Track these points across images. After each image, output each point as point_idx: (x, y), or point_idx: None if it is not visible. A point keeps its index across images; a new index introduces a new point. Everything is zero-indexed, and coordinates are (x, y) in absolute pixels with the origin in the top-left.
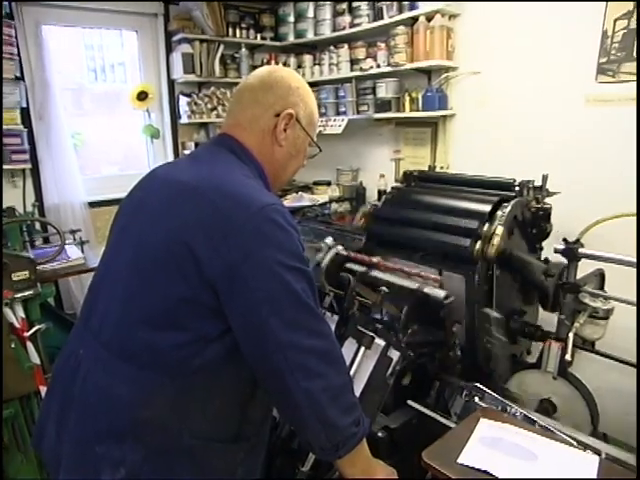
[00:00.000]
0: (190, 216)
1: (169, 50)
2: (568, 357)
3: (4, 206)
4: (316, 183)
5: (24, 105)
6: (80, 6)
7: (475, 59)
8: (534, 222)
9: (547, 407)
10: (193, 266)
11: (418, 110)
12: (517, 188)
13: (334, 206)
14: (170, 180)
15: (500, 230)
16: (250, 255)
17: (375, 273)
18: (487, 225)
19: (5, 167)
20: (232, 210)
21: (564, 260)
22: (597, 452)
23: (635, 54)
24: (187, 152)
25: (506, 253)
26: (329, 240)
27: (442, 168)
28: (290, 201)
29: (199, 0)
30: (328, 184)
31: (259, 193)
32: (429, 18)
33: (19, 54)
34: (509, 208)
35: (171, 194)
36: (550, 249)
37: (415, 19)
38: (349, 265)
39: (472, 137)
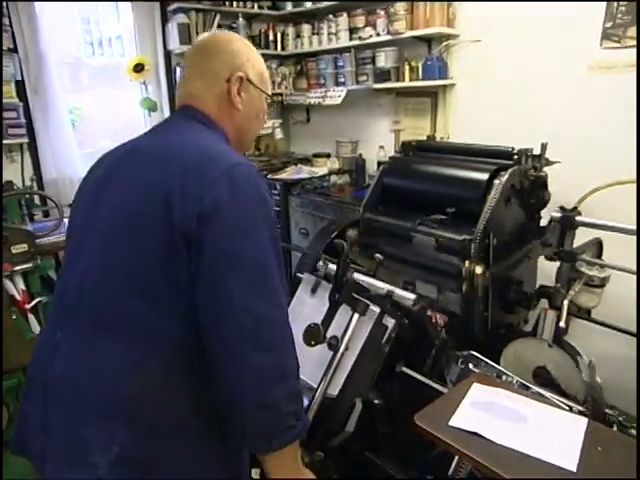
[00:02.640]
0: (163, 175)
1: (165, 21)
2: (562, 324)
3: (3, 181)
4: (315, 155)
5: (19, 78)
6: None
7: (476, 27)
8: (532, 191)
9: (542, 374)
10: (167, 223)
11: (418, 79)
12: (515, 156)
13: (333, 178)
14: (137, 149)
15: (479, 269)
16: (220, 210)
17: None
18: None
19: (2, 142)
20: (206, 165)
21: None
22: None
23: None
24: None
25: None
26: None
27: (442, 138)
28: (289, 173)
29: None
30: (327, 156)
31: (230, 153)
32: None
33: (11, 25)
34: (506, 177)
35: (141, 161)
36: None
37: None
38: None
39: (472, 107)
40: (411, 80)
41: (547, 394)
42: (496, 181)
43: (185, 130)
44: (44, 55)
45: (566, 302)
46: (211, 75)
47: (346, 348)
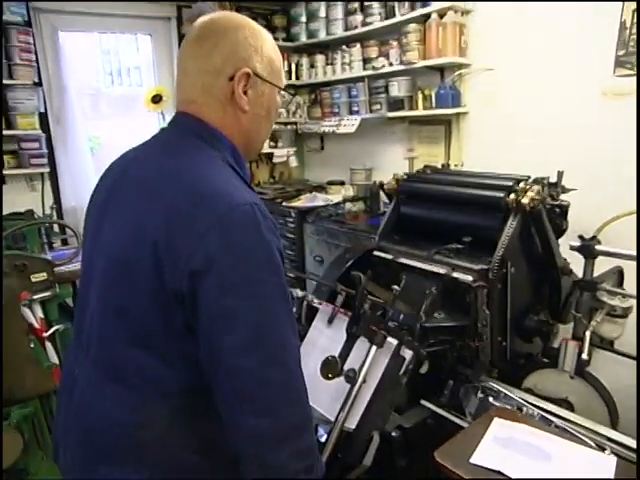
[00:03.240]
0: (151, 219)
1: None
2: (585, 356)
3: (23, 209)
4: (330, 183)
5: (42, 110)
6: (95, 11)
7: (488, 55)
8: (549, 219)
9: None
10: (158, 279)
11: (431, 108)
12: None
13: (348, 206)
14: (127, 176)
15: (536, 187)
16: (213, 265)
17: (401, 259)
18: (522, 184)
19: (24, 171)
20: (196, 212)
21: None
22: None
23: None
24: None
25: (544, 203)
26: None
27: (456, 166)
28: (304, 201)
29: (212, 0)
30: (342, 184)
31: (231, 189)
32: (441, 15)
33: (37, 60)
34: None
35: (129, 193)
36: (567, 246)
37: (427, 16)
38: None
39: (486, 134)
40: (424, 108)
41: (572, 429)
42: None
43: (180, 152)
44: (66, 87)
45: (588, 333)
46: (211, 73)
47: (364, 381)
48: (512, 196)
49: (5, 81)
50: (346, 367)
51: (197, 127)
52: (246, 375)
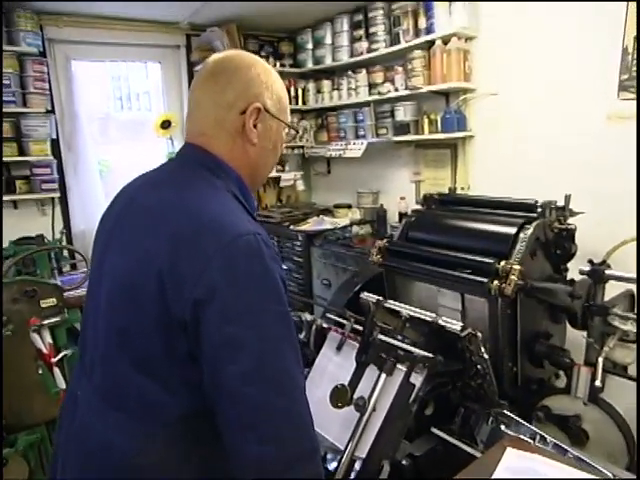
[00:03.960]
0: (155, 246)
1: (191, 79)
2: (598, 383)
3: (34, 234)
4: (337, 206)
5: (54, 137)
6: (106, 41)
7: (493, 80)
8: (558, 243)
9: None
10: (162, 305)
11: (437, 132)
12: (539, 209)
13: (355, 229)
14: (135, 203)
15: (517, 268)
16: (216, 294)
17: (390, 304)
18: (503, 263)
19: (35, 196)
20: (199, 240)
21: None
22: None
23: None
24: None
25: (526, 288)
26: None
27: (462, 189)
28: (311, 225)
29: (220, 29)
30: (349, 207)
31: (234, 219)
32: (445, 41)
33: (50, 89)
34: (531, 230)
35: (136, 220)
36: (576, 269)
37: (432, 42)
38: (364, 296)
39: (492, 158)
40: (430, 132)
41: (587, 459)
42: (521, 234)
43: (185, 182)
44: (78, 114)
45: (601, 359)
46: (224, 107)
47: (373, 409)
48: (495, 283)
49: (19, 109)
50: (355, 395)
51: (204, 158)
52: (250, 403)
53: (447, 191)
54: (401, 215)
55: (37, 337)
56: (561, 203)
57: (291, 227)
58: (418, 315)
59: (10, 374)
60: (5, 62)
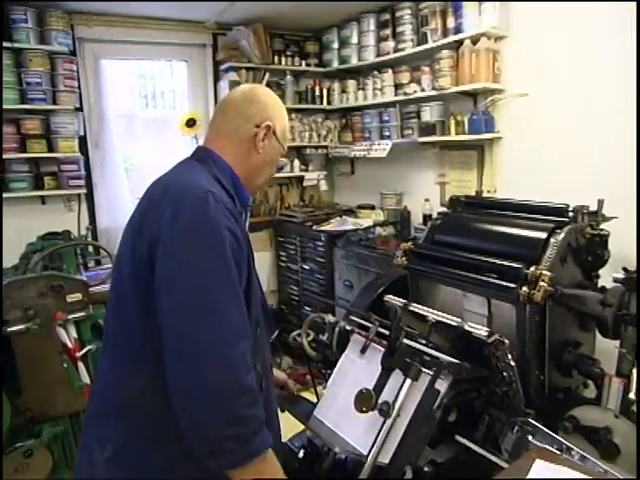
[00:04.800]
0: (136, 215)
1: (217, 78)
2: (632, 395)
3: (60, 229)
4: (360, 207)
5: (82, 134)
6: (135, 40)
7: (522, 81)
8: (589, 249)
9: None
10: (132, 251)
11: (464, 133)
12: (571, 214)
13: (378, 230)
14: (144, 195)
15: (547, 274)
16: (163, 233)
17: (416, 308)
18: (533, 268)
19: (62, 192)
20: (162, 199)
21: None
22: None
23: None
24: None
25: (556, 295)
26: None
27: (489, 192)
28: (333, 225)
29: (247, 28)
30: (372, 208)
31: (194, 182)
32: (474, 41)
33: (79, 87)
34: (562, 235)
35: (140, 207)
36: (609, 276)
37: (460, 42)
38: (387, 298)
39: (520, 160)
40: (457, 134)
41: (618, 474)
42: (552, 240)
43: (179, 169)
44: (105, 112)
45: (635, 370)
46: (246, 117)
47: (397, 415)
48: (524, 288)
49: (49, 106)
50: (380, 399)
51: (202, 153)
52: (177, 334)
53: (473, 193)
54: (425, 217)
55: (62, 331)
56: (593, 208)
57: (314, 227)
58: (444, 320)
59: (36, 367)
60: (36, 61)
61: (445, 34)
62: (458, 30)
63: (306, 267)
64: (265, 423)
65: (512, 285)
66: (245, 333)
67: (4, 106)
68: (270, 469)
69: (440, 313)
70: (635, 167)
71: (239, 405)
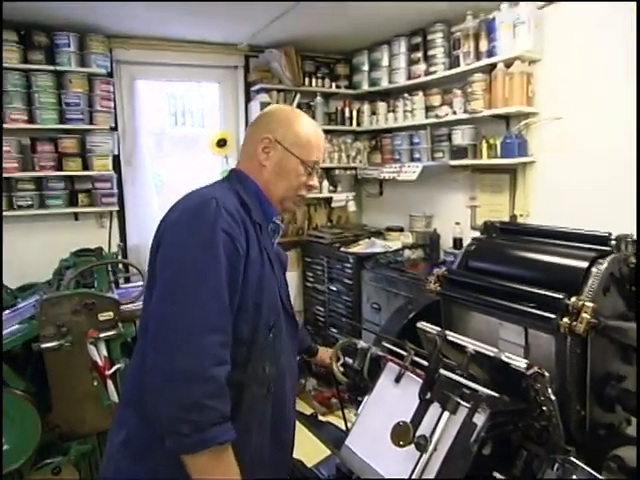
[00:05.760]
0: (161, 222)
1: (248, 99)
2: None
3: (92, 246)
4: (388, 229)
5: (116, 152)
6: (169, 62)
7: (557, 104)
8: (633, 279)
9: None
10: (154, 254)
11: (496, 157)
12: (614, 242)
13: (407, 253)
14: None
15: (590, 305)
16: (166, 231)
17: (454, 337)
18: (574, 299)
19: (95, 209)
20: (177, 204)
21: None
22: None
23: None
24: None
25: (598, 327)
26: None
27: (522, 216)
28: (362, 247)
29: (278, 50)
30: (401, 230)
31: (208, 192)
32: (508, 64)
33: (114, 107)
34: (605, 265)
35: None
36: None
37: (493, 65)
38: (420, 325)
39: (554, 184)
40: (489, 157)
41: None
42: (594, 269)
43: (207, 185)
44: (138, 130)
45: None
46: (251, 137)
47: (434, 449)
48: (565, 320)
49: (86, 126)
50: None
51: (232, 174)
52: (158, 320)
53: (505, 217)
54: (455, 240)
55: (94, 349)
56: (632, 235)
57: (342, 249)
58: (482, 350)
59: (66, 384)
60: (76, 82)
61: (478, 57)
62: (491, 53)
63: (333, 288)
64: (273, 429)
65: (552, 316)
66: (221, 328)
67: (45, 126)
68: (224, 467)
69: (478, 343)
70: (635, 169)
71: (198, 393)
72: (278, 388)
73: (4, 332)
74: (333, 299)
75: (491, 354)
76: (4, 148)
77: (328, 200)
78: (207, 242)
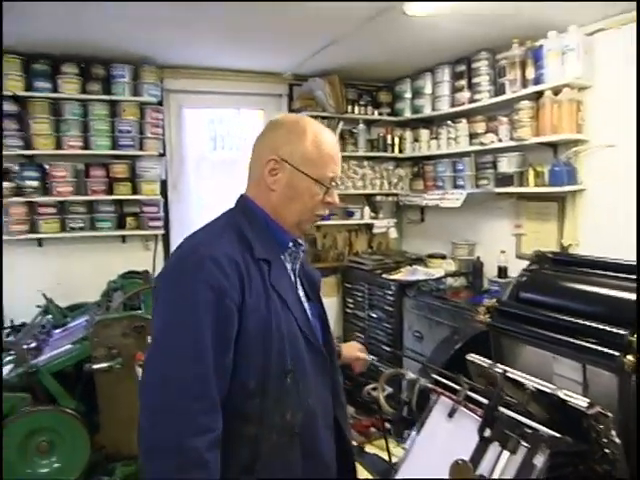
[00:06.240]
0: None
1: None
2: None
3: (137, 267)
4: (430, 256)
5: (163, 177)
6: (216, 91)
7: (608, 131)
8: None
9: None
10: None
11: (544, 184)
12: None
13: (449, 281)
14: None
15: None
16: (156, 286)
17: (514, 374)
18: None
19: (142, 232)
20: (171, 256)
21: None
22: None
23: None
24: None
25: None
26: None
27: (570, 246)
28: (404, 274)
29: (321, 78)
30: (443, 257)
31: (196, 239)
32: (556, 91)
33: (163, 134)
34: None
35: None
36: None
37: (540, 93)
38: (471, 357)
39: (605, 213)
40: (536, 185)
41: None
42: None
43: (212, 221)
44: (185, 156)
45: None
46: (256, 157)
47: None
48: (629, 357)
49: (136, 152)
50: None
51: (239, 200)
52: (141, 379)
53: (553, 246)
54: (500, 269)
55: (141, 372)
56: None
57: (383, 275)
58: (542, 388)
59: (114, 405)
60: (129, 110)
61: (524, 84)
62: (538, 80)
63: (373, 315)
64: (306, 471)
65: (615, 353)
66: (202, 395)
67: (98, 152)
68: None
69: (538, 381)
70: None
71: (172, 467)
72: (307, 430)
73: (58, 351)
74: (373, 326)
75: (549, 390)
76: (60, 173)
77: (369, 226)
78: (188, 300)
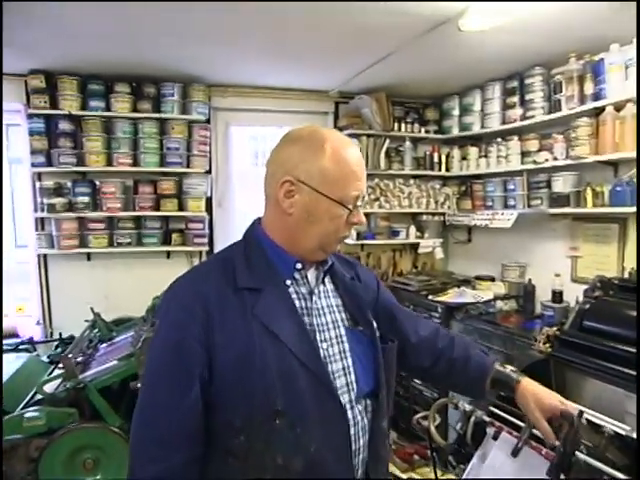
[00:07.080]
0: None
1: None
2: None
3: None
4: (478, 278)
5: (209, 194)
6: (261, 108)
7: None
8: None
9: None
10: None
11: (603, 205)
12: None
13: (499, 304)
14: None
15: None
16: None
17: (591, 416)
18: None
19: (187, 248)
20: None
21: None
22: None
23: None
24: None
25: None
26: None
27: (632, 269)
28: (451, 296)
29: (368, 96)
30: (492, 280)
31: (184, 276)
32: (618, 108)
33: (210, 152)
34: None
35: None
36: None
37: (599, 109)
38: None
39: None
40: (595, 206)
41: None
42: None
43: (220, 251)
44: (230, 174)
45: None
46: (269, 177)
47: None
48: None
49: (183, 169)
50: None
51: (250, 225)
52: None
53: (612, 270)
54: (555, 293)
55: None
56: None
57: (429, 297)
58: (620, 431)
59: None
60: (178, 128)
61: (582, 100)
62: (598, 96)
63: None
64: None
65: None
66: (153, 426)
67: (147, 169)
68: None
69: (617, 423)
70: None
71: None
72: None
73: (104, 367)
74: None
75: (622, 432)
76: (110, 190)
77: (413, 246)
78: (155, 342)
